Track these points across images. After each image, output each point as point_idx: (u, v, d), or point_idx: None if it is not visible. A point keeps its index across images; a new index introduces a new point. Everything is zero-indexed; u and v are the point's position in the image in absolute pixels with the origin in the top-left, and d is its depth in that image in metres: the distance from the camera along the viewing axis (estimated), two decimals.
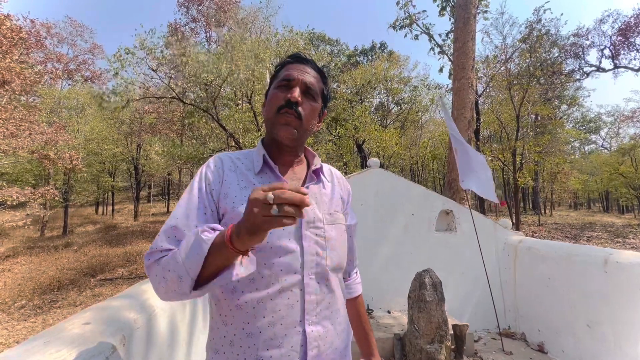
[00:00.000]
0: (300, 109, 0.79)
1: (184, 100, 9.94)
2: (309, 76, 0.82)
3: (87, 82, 21.62)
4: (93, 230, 17.20)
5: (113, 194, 22.95)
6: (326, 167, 0.94)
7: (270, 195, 0.51)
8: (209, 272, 0.62)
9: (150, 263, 0.70)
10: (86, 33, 22.58)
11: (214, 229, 0.64)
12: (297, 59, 0.85)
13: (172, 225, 0.72)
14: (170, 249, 0.69)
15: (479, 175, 3.17)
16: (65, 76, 20.69)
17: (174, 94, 9.79)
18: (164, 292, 0.67)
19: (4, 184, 9.77)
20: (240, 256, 0.60)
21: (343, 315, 0.84)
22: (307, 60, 0.86)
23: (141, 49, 8.82)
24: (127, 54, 8.67)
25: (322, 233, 0.79)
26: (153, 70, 9.35)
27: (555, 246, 2.97)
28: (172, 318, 1.44)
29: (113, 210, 22.44)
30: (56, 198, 11.76)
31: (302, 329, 0.72)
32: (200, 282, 0.63)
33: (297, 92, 0.79)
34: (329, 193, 0.88)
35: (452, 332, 2.68)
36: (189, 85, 9.76)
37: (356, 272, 1.05)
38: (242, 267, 0.62)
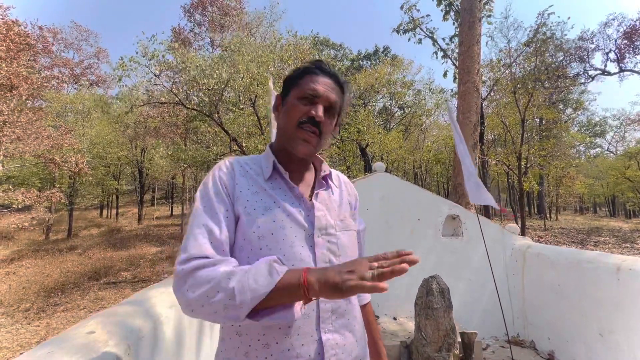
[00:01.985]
0: (321, 126, 0.78)
1: (187, 105, 10.00)
2: (334, 94, 0.81)
3: (93, 86, 21.89)
4: (97, 233, 17.28)
5: (117, 197, 23.06)
6: (334, 173, 0.93)
7: (373, 272, 0.54)
8: (266, 304, 0.60)
9: (187, 271, 0.63)
10: (91, 37, 22.96)
11: (282, 262, 0.65)
12: (323, 70, 0.82)
13: (205, 228, 0.69)
14: (207, 257, 0.65)
15: (478, 184, 3.11)
16: (72, 80, 20.96)
17: (177, 99, 9.85)
18: (194, 309, 0.62)
19: (10, 187, 9.85)
20: (305, 301, 0.62)
21: (360, 322, 0.83)
22: (332, 73, 0.83)
23: (143, 56, 8.89)
24: (131, 62, 8.74)
25: (335, 240, 0.78)
26: (156, 76, 9.42)
27: (565, 252, 2.91)
28: (178, 326, 1.42)
29: (117, 213, 22.53)
30: (61, 201, 11.84)
31: (318, 338, 0.71)
32: (253, 312, 0.61)
33: (321, 111, 0.78)
34: (338, 199, 0.87)
35: (460, 340, 2.63)
36: (191, 90, 9.83)
37: None
38: (299, 308, 0.63)
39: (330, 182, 0.87)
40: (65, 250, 12.94)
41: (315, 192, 0.82)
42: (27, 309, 7.11)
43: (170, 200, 26.31)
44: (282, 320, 0.61)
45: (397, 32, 13.41)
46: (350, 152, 16.76)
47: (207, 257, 0.65)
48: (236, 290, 0.58)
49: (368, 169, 15.24)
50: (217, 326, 0.78)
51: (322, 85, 0.80)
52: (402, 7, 12.90)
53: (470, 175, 3.10)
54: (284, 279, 0.60)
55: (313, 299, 0.59)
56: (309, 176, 0.87)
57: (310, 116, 0.77)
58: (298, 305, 0.62)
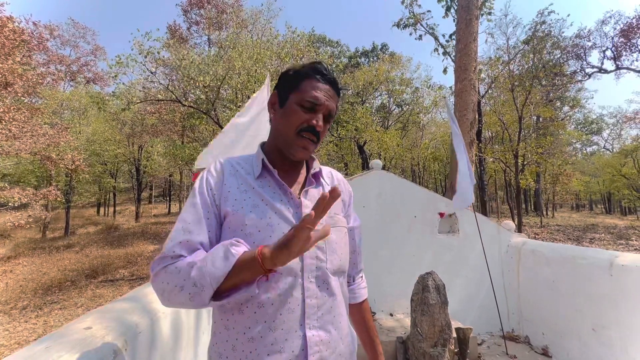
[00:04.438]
0: (319, 134, 0.81)
1: (184, 103, 9.96)
2: (333, 102, 0.83)
3: (90, 84, 21.72)
4: (94, 231, 17.22)
5: (114, 195, 22.97)
6: (326, 170, 0.94)
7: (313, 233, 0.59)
8: (232, 284, 0.65)
9: (159, 269, 0.69)
10: (88, 35, 22.71)
11: (239, 242, 0.68)
12: (324, 77, 0.81)
13: (183, 229, 0.73)
14: (182, 255, 0.70)
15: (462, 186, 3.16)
16: (68, 78, 20.79)
17: (173, 96, 9.81)
18: (169, 299, 0.68)
19: (6, 185, 9.79)
20: (264, 274, 0.64)
21: (346, 319, 0.83)
22: (332, 80, 0.83)
23: (139, 53, 8.84)
24: (128, 59, 8.67)
25: None
26: (152, 73, 9.37)
27: (559, 249, 2.94)
28: (175, 321, 1.43)
29: (114, 211, 22.44)
30: (58, 199, 11.78)
31: (302, 334, 0.72)
32: (217, 294, 0.66)
33: (322, 120, 0.80)
34: None
35: (456, 336, 2.65)
36: (188, 87, 9.78)
37: (361, 277, 1.04)
38: (263, 283, 0.67)
39: (321, 179, 0.88)
40: (63, 248, 12.91)
41: (304, 189, 0.83)
42: (25, 307, 7.10)
43: (167, 198, 26.24)
44: (245, 294, 0.65)
45: (398, 26, 13.32)
46: (348, 149, 16.77)
47: (179, 255, 0.70)
48: (196, 277, 0.64)
49: (366, 166, 15.25)
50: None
51: (324, 93, 0.80)
52: (402, 2, 12.78)
53: (464, 176, 3.13)
54: (240, 259, 0.64)
55: (272, 270, 0.63)
56: (300, 174, 0.87)
57: (311, 125, 0.78)
58: (259, 280, 0.66)
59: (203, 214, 0.75)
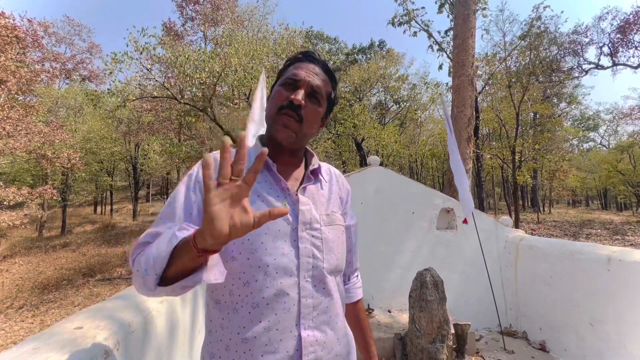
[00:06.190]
0: (302, 112, 0.76)
1: (180, 100, 9.89)
2: (317, 78, 0.79)
3: (85, 82, 21.54)
4: (91, 230, 17.14)
5: (111, 193, 22.88)
6: (325, 167, 0.91)
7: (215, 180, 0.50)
8: (176, 270, 0.58)
9: (134, 257, 0.66)
10: (84, 32, 22.51)
11: (189, 226, 0.62)
12: (308, 57, 0.82)
13: (158, 219, 0.71)
14: (150, 242, 0.66)
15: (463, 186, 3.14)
16: (63, 75, 20.59)
17: (169, 93, 9.73)
18: (137, 286, 0.63)
19: (1, 184, 9.70)
20: (206, 259, 0.57)
21: (343, 320, 0.82)
22: (318, 60, 0.83)
23: (135, 50, 8.76)
24: (124, 56, 8.58)
25: (319, 234, 0.77)
26: (147, 69, 9.30)
27: (557, 244, 2.94)
28: (169, 320, 1.41)
29: (112, 209, 22.35)
30: (54, 198, 11.69)
31: (297, 334, 0.70)
32: (168, 281, 0.59)
33: (301, 95, 0.76)
34: (327, 193, 0.86)
35: (454, 332, 2.65)
36: (184, 84, 9.69)
37: (357, 276, 1.02)
38: (210, 273, 0.58)
39: (320, 176, 0.86)
40: (59, 247, 12.84)
41: (302, 186, 0.80)
42: (21, 306, 7.06)
43: (165, 196, 26.16)
44: (191, 282, 0.57)
45: (392, 24, 13.28)
46: (346, 146, 16.75)
47: (148, 242, 0.66)
48: (143, 261, 0.60)
49: (364, 163, 15.24)
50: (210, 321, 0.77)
51: (305, 70, 0.79)
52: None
53: (464, 191, 3.11)
54: (181, 241, 0.57)
55: (206, 251, 0.54)
56: (299, 170, 0.85)
57: (290, 100, 0.76)
58: (211, 270, 0.58)
59: (183, 207, 0.72)
